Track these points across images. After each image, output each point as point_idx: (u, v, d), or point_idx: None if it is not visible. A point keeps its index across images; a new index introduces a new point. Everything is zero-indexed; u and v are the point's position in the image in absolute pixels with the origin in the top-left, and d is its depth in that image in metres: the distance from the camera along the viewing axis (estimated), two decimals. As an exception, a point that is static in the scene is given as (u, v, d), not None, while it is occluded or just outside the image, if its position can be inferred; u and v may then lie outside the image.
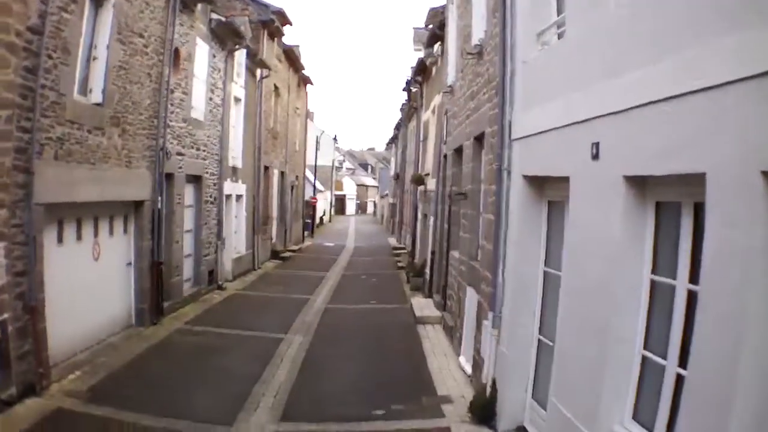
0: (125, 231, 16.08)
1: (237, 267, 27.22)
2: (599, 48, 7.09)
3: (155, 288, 17.02)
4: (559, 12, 9.31)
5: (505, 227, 10.48)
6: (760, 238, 4.29)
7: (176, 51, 18.39)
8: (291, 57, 40.15)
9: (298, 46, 42.69)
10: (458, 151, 16.83)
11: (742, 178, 4.46)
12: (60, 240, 12.65)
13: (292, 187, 44.32)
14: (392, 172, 68.99)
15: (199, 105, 21.21)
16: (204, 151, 21.90)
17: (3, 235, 10.15)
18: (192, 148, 20.50)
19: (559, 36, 9.23)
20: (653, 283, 6.30)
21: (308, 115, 57.02)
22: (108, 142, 13.94)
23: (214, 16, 22.08)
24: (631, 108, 6.11)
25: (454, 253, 16.96)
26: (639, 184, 6.28)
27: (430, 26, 25.58)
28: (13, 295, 10.44)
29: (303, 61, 44.04)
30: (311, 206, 62.00)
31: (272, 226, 36.26)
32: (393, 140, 68.77)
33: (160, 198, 17.08)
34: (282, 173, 39.06)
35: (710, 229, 4.93)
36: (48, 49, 11.27)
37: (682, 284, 5.73)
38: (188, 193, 20.84)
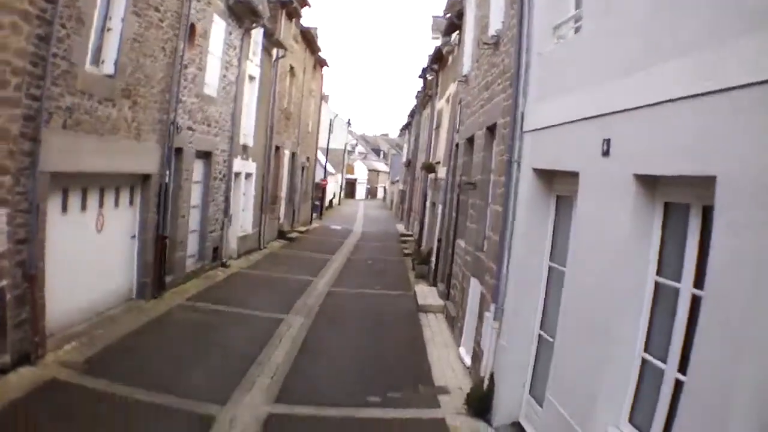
0: (131, 203, 16.02)
1: (242, 245, 27.19)
2: (616, 44, 7.01)
3: (158, 262, 17.00)
4: (577, 6, 9.22)
5: (512, 219, 10.41)
6: (770, 244, 4.21)
7: (192, 26, 18.27)
8: (308, 38, 40.01)
9: (315, 28, 42.63)
10: (470, 140, 16.73)
11: (754, 183, 4.36)
12: (64, 209, 12.59)
13: (303, 169, 44.25)
14: (404, 159, 68.92)
15: (212, 81, 21.10)
16: (215, 127, 21.81)
17: (6, 202, 10.10)
18: (203, 123, 20.41)
19: (576, 30, 9.15)
20: (657, 284, 6.22)
21: (323, 98, 56.94)
22: (118, 113, 13.87)
23: (233, -7, 21.93)
24: (645, 106, 6.03)
25: (461, 243, 16.88)
26: (649, 183, 6.20)
27: (449, 15, 25.48)
28: (13, 263, 10.40)
29: (320, 43, 43.92)
30: (321, 188, 61.92)
31: (280, 206, 36.23)
32: (406, 127, 68.66)
33: (168, 172, 17.02)
34: (293, 154, 38.97)
35: (718, 234, 4.84)
36: (62, 18, 11.17)
37: (686, 288, 5.66)
38: (197, 169, 20.75)
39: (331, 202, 77.76)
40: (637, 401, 6.28)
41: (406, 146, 71.94)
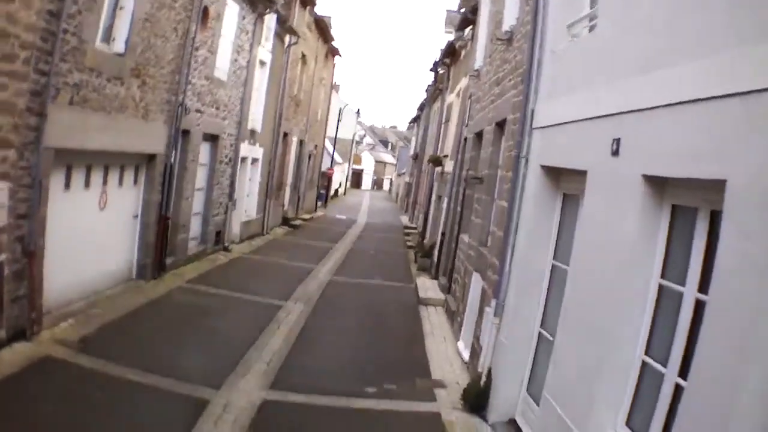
0: (135, 183, 15.95)
1: (245, 230, 27.16)
2: (630, 44, 6.95)
3: (160, 243, 16.94)
4: (592, 5, 9.16)
5: (518, 216, 10.36)
6: (779, 251, 4.14)
7: (205, 9, 18.19)
8: (321, 27, 39.92)
9: (329, 17, 42.57)
10: (479, 135, 16.69)
11: (765, 188, 4.30)
12: (67, 186, 12.51)
13: (310, 156, 44.22)
14: (411, 152, 68.89)
15: (223, 65, 21.03)
16: (224, 111, 21.74)
17: (8, 176, 10.02)
18: (212, 106, 20.34)
19: (590, 29, 9.08)
20: (661, 287, 6.15)
21: (333, 87, 56.88)
22: (126, 92, 13.79)
23: (247, -23, 21.85)
24: (657, 107, 5.96)
25: (464, 237, 16.83)
26: (657, 184, 6.12)
27: (463, 10, 25.44)
28: (12, 238, 10.33)
29: (333, 32, 43.85)
30: (327, 177, 61.93)
31: (285, 193, 36.18)
32: (416, 120, 68.67)
33: (174, 153, 16.95)
34: (301, 141, 38.91)
35: (725, 239, 4.76)
36: (74, -5, 11.12)
37: (690, 292, 5.58)
38: (203, 152, 20.69)
39: (336, 191, 77.81)
40: (636, 404, 6.21)
41: (414, 139, 71.96)
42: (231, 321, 14.52)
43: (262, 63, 26.43)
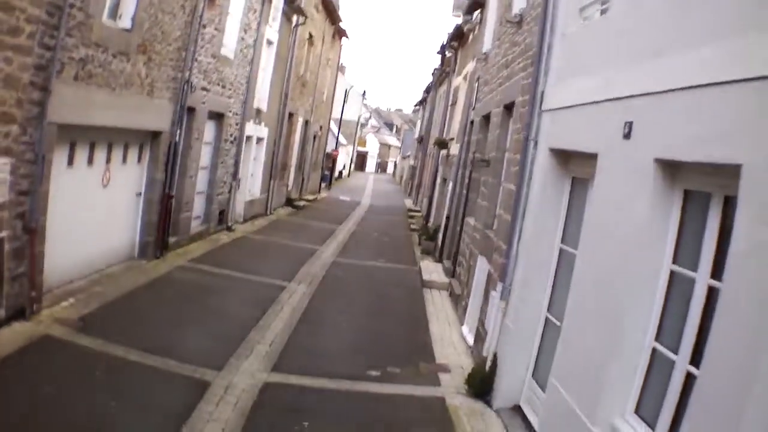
0: (139, 160, 15.83)
1: (249, 210, 27.07)
2: (645, 27, 6.85)
3: (163, 221, 16.82)
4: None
5: (525, 199, 10.28)
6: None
7: (213, -15, 18.03)
8: (329, 8, 39.70)
9: (337, -2, 42.39)
10: (486, 117, 16.59)
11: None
12: (70, 162, 12.40)
13: (315, 137, 44.08)
14: (416, 135, 68.84)
15: (230, 43, 20.89)
16: (230, 89, 21.61)
17: (11, 151, 9.90)
18: (218, 85, 20.21)
19: (602, 12, 8.98)
20: (672, 273, 6.07)
21: (339, 68, 56.68)
22: (132, 68, 13.66)
23: (256, -45, 21.68)
24: (671, 90, 5.88)
25: (470, 220, 16.76)
26: (669, 168, 6.04)
27: (472, -7, 25.29)
28: (13, 214, 10.21)
29: (340, 13, 43.63)
30: (332, 159, 61.80)
31: (290, 174, 36.08)
32: (421, 103, 68.47)
33: (178, 131, 16.82)
34: (306, 122, 38.78)
35: (740, 225, 4.70)
36: (81, -31, 10.99)
37: (702, 278, 5.51)
38: (208, 130, 20.58)
39: (340, 173, 77.75)
40: (645, 392, 6.14)
41: (419, 122, 71.84)
42: (233, 301, 14.43)
43: (269, 42, 26.26)
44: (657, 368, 6.03)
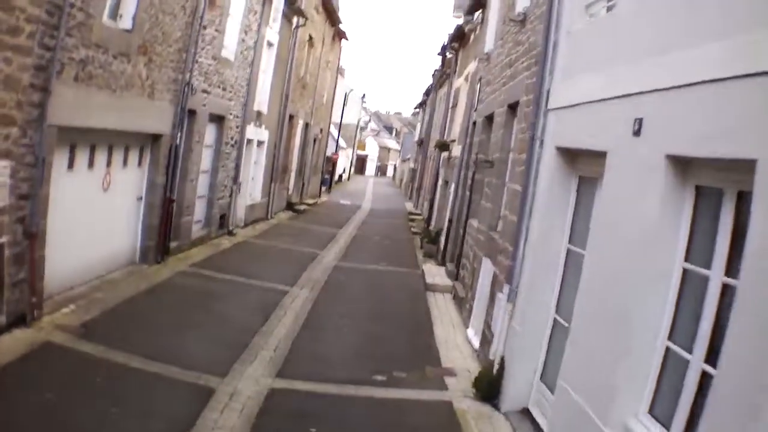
0: (140, 164, 15.71)
1: (250, 214, 26.98)
2: (651, 23, 6.81)
3: (164, 226, 16.70)
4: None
5: (532, 199, 10.18)
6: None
7: (213, -13, 17.94)
8: (329, 10, 39.69)
9: (337, -1, 42.37)
10: (489, 118, 16.51)
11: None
12: (70, 166, 12.26)
13: (315, 140, 44.02)
14: (416, 138, 68.92)
15: (230, 45, 20.81)
16: (230, 92, 21.52)
17: (10, 154, 9.77)
18: (218, 87, 20.13)
19: (608, 9, 8.92)
20: (685, 271, 5.99)
21: (339, 71, 56.64)
22: (133, 70, 13.56)
23: (256, -44, 21.60)
24: (681, 86, 5.82)
25: (473, 222, 16.67)
26: (681, 165, 5.97)
27: (474, -7, 25.24)
28: (13, 219, 10.07)
29: (340, 15, 43.61)
30: (332, 162, 61.80)
31: (290, 177, 36.01)
32: (421, 105, 68.50)
33: (179, 134, 16.70)
34: (307, 124, 38.72)
35: (756, 221, 4.63)
36: (82, -31, 10.90)
37: (717, 276, 5.42)
38: (209, 133, 20.48)
39: (340, 176, 77.79)
40: (659, 392, 6.04)
41: (419, 125, 71.93)
42: (236, 306, 14.32)
43: (270, 44, 26.18)
44: (671, 368, 5.94)
